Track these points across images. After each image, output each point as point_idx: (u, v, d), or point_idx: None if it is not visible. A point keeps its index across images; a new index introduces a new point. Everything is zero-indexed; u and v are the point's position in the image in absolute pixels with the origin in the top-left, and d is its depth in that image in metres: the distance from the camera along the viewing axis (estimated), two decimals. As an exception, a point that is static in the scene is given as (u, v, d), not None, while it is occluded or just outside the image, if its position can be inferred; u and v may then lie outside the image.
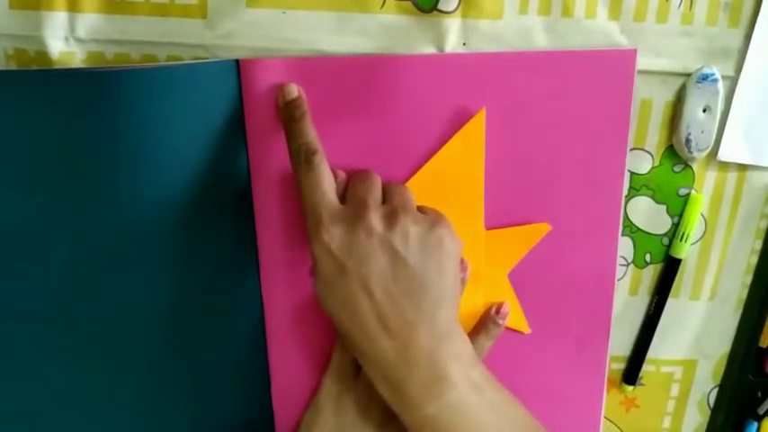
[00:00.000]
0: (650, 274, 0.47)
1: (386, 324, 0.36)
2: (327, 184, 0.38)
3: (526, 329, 0.45)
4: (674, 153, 0.44)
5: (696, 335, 0.48)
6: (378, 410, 0.41)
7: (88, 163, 0.40)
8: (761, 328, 0.47)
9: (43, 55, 0.41)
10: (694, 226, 0.45)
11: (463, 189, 0.42)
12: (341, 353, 0.43)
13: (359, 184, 0.39)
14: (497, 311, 0.44)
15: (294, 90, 0.40)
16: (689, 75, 0.43)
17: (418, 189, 0.42)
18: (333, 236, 0.36)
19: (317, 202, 0.37)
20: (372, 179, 0.39)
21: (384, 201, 0.39)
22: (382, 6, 0.41)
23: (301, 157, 0.38)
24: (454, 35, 0.41)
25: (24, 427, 0.45)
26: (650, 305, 0.47)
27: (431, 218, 0.38)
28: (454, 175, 0.42)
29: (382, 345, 0.36)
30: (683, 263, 0.46)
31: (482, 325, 0.44)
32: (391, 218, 0.37)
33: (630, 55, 0.42)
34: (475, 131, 0.41)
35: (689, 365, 0.48)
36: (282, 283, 0.44)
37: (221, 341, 0.44)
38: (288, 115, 0.39)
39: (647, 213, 0.45)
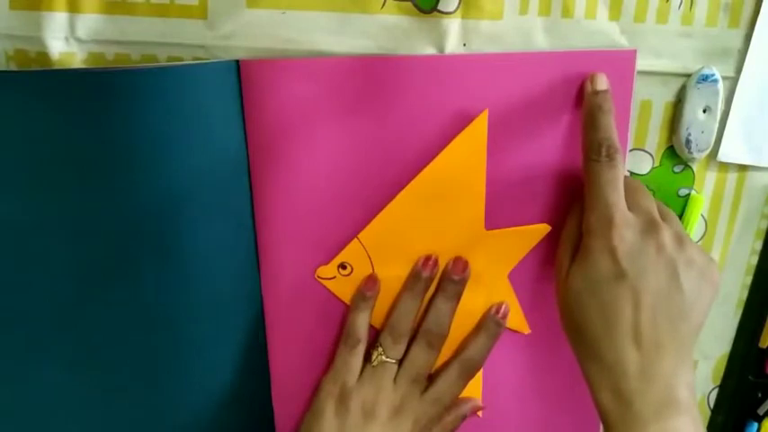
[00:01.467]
0: (650, 274, 0.47)
1: (639, 337, 0.36)
2: (622, 187, 0.38)
3: (526, 330, 0.45)
4: (675, 154, 0.44)
5: (696, 335, 0.48)
6: (383, 411, 0.41)
7: (88, 163, 0.40)
8: (761, 329, 0.47)
9: (43, 55, 0.41)
10: (694, 226, 0.45)
11: (464, 190, 0.42)
12: (345, 355, 0.43)
13: (643, 195, 0.39)
14: (497, 311, 0.44)
15: (605, 81, 0.40)
16: (689, 75, 0.43)
17: (420, 190, 0.42)
18: (623, 240, 0.36)
19: (614, 202, 0.37)
20: (650, 195, 0.40)
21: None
22: (382, 7, 0.41)
23: (603, 151, 0.38)
24: (454, 36, 0.41)
25: (24, 428, 0.45)
26: (650, 306, 0.47)
27: (708, 255, 0.39)
28: (456, 176, 0.42)
29: (628, 356, 0.36)
30: (683, 263, 0.46)
31: (483, 325, 0.44)
32: (680, 242, 0.37)
33: (630, 55, 0.42)
34: (477, 133, 0.41)
35: (689, 366, 0.48)
36: (282, 283, 0.44)
37: (221, 341, 0.44)
38: (596, 104, 0.39)
39: (647, 214, 0.45)
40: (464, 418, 0.45)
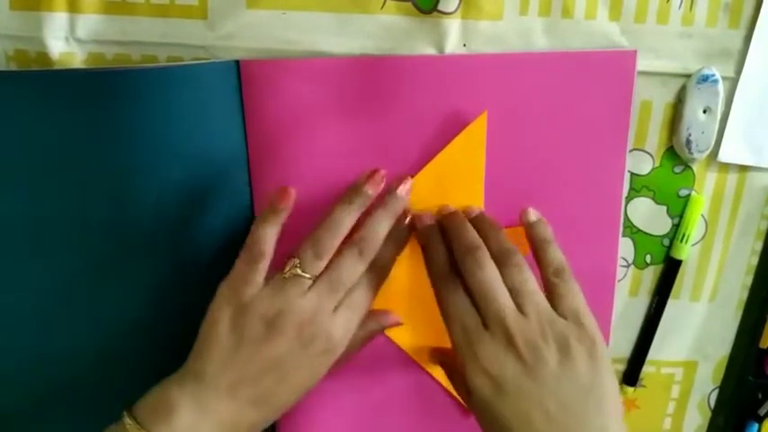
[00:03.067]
0: (650, 275, 0.47)
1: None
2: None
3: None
4: (675, 154, 0.44)
5: (696, 336, 0.48)
6: (288, 325, 0.37)
7: (88, 163, 0.40)
8: (761, 330, 0.47)
9: (43, 56, 0.41)
10: (695, 227, 0.45)
11: (464, 190, 0.42)
12: (243, 269, 0.38)
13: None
14: (398, 185, 0.41)
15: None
16: (689, 76, 0.43)
17: (419, 190, 0.42)
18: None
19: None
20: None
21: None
22: (382, 7, 0.41)
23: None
24: (454, 36, 0.41)
25: (23, 426, 0.45)
26: (650, 306, 0.47)
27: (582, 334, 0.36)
28: (455, 177, 0.42)
29: None
30: (683, 264, 0.46)
31: (382, 200, 0.40)
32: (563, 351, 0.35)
33: (631, 56, 0.42)
34: (476, 134, 0.41)
35: (689, 367, 0.48)
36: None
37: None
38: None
39: (647, 214, 0.45)
40: (379, 330, 0.42)
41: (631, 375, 0.48)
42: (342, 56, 0.41)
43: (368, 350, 0.43)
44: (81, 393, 0.45)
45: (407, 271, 0.43)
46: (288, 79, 0.41)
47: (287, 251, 0.39)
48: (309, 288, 0.38)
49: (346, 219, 0.39)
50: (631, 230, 0.46)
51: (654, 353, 0.47)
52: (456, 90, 0.41)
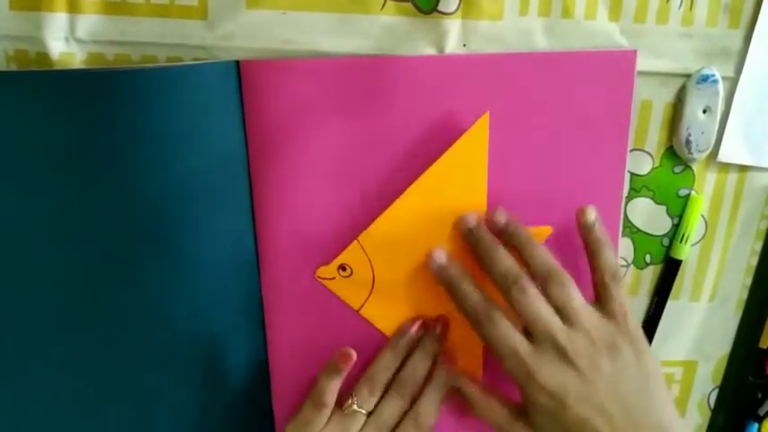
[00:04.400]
0: (650, 275, 0.47)
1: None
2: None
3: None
4: (675, 154, 0.44)
5: (696, 336, 0.48)
6: None
7: (88, 164, 0.40)
8: (761, 330, 0.47)
9: (43, 56, 0.41)
10: (694, 227, 0.45)
11: (466, 192, 0.42)
12: (309, 413, 0.42)
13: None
14: (442, 364, 0.44)
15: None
16: (689, 76, 0.43)
17: (421, 192, 0.42)
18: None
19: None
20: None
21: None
22: (382, 7, 0.41)
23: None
24: (454, 36, 0.41)
25: (21, 426, 0.45)
26: (650, 306, 0.47)
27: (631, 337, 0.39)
28: (457, 179, 0.42)
29: None
30: (683, 264, 0.46)
31: (432, 379, 0.43)
32: (612, 351, 0.38)
33: (630, 56, 0.42)
34: (478, 135, 0.41)
35: (689, 366, 0.48)
36: (282, 283, 0.44)
37: (221, 342, 0.44)
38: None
39: (647, 214, 0.45)
40: None
41: (631, 375, 0.48)
42: (342, 56, 0.41)
43: (367, 349, 0.43)
44: (81, 393, 0.45)
45: (407, 271, 0.43)
46: (288, 79, 0.41)
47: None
48: (363, 426, 0.42)
49: (393, 360, 0.43)
50: (631, 230, 0.46)
51: (654, 352, 0.47)
52: (456, 90, 0.41)
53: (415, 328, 0.43)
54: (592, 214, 0.41)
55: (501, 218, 0.41)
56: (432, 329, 0.44)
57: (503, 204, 0.42)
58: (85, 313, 0.43)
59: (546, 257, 0.40)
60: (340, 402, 0.42)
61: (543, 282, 0.39)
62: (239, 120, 0.41)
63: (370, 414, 0.42)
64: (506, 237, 0.41)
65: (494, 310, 0.39)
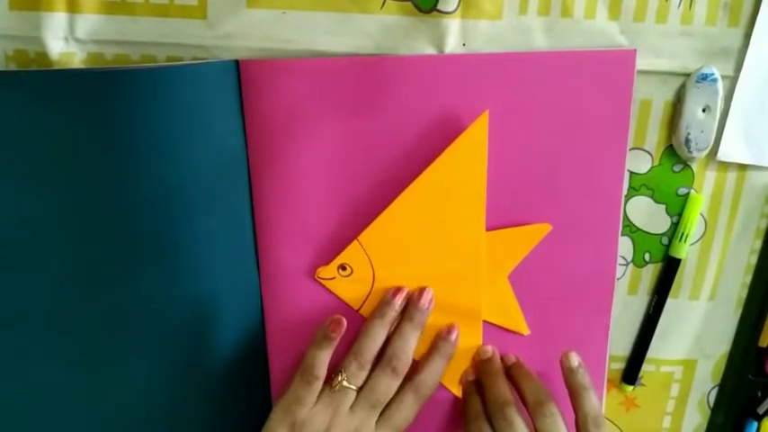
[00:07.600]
0: (650, 273, 0.47)
1: None
2: None
3: (525, 331, 0.45)
4: (674, 153, 0.44)
5: (696, 335, 0.48)
6: None
7: (88, 163, 0.40)
8: (760, 328, 0.47)
9: (43, 56, 0.41)
10: (694, 226, 0.45)
11: (466, 191, 0.42)
12: (300, 389, 0.41)
13: None
14: (449, 332, 0.44)
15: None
16: (688, 75, 0.43)
17: (421, 192, 0.42)
18: None
19: None
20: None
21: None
22: (382, 7, 0.41)
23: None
24: (454, 36, 0.41)
25: (22, 427, 0.45)
26: (650, 305, 0.47)
27: None
28: (457, 178, 0.42)
29: None
30: (682, 263, 0.46)
31: (435, 346, 0.44)
32: None
33: (630, 55, 0.42)
34: (478, 134, 0.41)
35: (689, 365, 0.48)
36: (282, 283, 0.44)
37: (220, 341, 0.44)
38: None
39: (646, 213, 0.45)
40: None
41: (630, 374, 0.48)
42: (341, 55, 0.41)
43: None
44: (80, 392, 0.45)
45: (407, 270, 0.43)
46: (288, 79, 0.41)
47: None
48: (354, 401, 0.41)
49: (381, 331, 0.43)
50: (630, 229, 0.46)
51: (653, 351, 0.47)
52: (455, 90, 0.41)
53: (398, 298, 0.43)
54: (575, 360, 0.43)
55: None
56: (417, 301, 0.43)
57: (501, 202, 0.43)
58: (85, 312, 0.43)
59: (541, 391, 0.42)
60: (328, 380, 0.41)
61: (535, 412, 0.41)
62: (239, 119, 0.41)
63: (360, 389, 0.41)
64: (508, 369, 0.44)
65: (485, 423, 0.42)
